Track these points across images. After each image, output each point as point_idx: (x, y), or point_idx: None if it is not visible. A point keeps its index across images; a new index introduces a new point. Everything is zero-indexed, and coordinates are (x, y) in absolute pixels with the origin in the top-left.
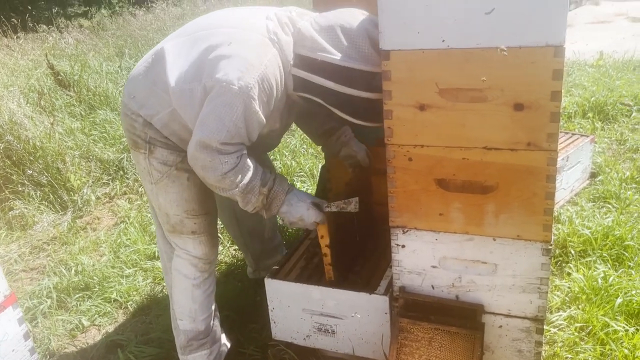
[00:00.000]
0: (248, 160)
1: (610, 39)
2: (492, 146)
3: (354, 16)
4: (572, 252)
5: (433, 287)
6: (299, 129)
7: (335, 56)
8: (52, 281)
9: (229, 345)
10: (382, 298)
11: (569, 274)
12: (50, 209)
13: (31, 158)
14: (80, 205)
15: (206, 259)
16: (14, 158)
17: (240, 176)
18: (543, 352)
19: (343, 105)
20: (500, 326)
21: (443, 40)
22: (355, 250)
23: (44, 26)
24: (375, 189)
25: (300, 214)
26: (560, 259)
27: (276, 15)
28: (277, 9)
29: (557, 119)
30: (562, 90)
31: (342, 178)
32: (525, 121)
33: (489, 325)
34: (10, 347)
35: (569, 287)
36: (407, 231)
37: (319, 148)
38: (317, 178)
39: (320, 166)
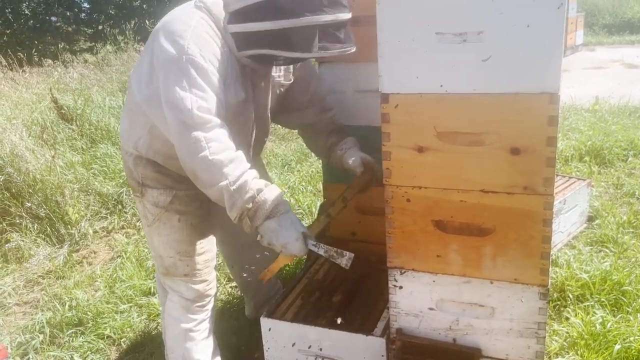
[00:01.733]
0: (237, 148)
1: (606, 85)
2: (490, 189)
3: None
4: (570, 296)
5: (430, 330)
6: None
7: None
8: (45, 316)
9: None
10: (379, 340)
11: (567, 319)
12: (47, 242)
13: (30, 191)
14: (77, 239)
15: (199, 302)
16: (13, 190)
17: (230, 166)
18: None
19: (290, 43)
20: None
21: (441, 85)
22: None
23: (50, 60)
24: (373, 229)
25: (287, 240)
26: (559, 302)
27: None
28: None
29: (553, 163)
30: (558, 135)
31: (343, 219)
32: (522, 165)
33: None
34: None
35: (567, 332)
36: (404, 272)
37: (319, 185)
38: (316, 215)
39: (320, 204)
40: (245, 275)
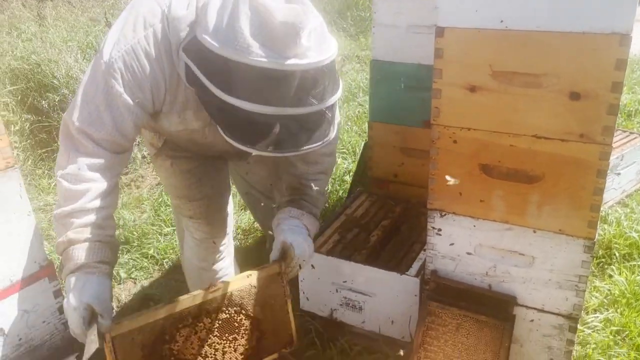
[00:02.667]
0: (102, 185)
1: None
2: (543, 135)
3: None
4: (617, 254)
5: (466, 274)
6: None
7: (207, 37)
8: None
9: None
10: (413, 280)
11: (610, 276)
12: None
13: None
14: (129, 162)
15: (208, 244)
16: None
17: (65, 194)
18: (574, 351)
19: (218, 112)
20: (532, 320)
21: (501, 21)
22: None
23: None
24: (415, 171)
25: (69, 306)
26: (603, 260)
27: None
28: None
29: (615, 111)
30: (624, 83)
31: (386, 160)
32: (581, 111)
33: (520, 318)
34: (40, 318)
35: (609, 290)
36: (444, 215)
37: (364, 126)
38: (359, 156)
39: (363, 144)
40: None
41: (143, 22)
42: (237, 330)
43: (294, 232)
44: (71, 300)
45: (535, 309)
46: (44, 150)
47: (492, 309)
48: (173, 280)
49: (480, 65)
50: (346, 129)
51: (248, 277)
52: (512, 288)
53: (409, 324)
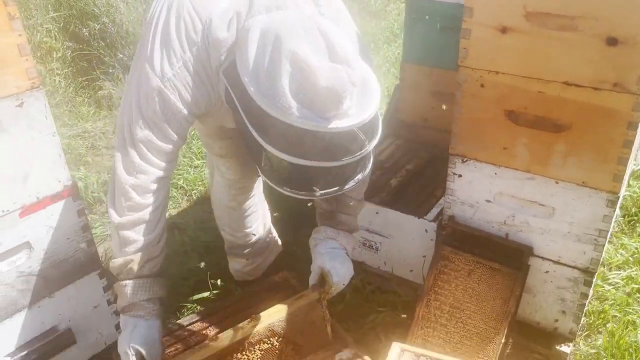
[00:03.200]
0: (164, 195)
1: None
2: (574, 82)
3: (309, 32)
4: None
5: (484, 222)
6: None
7: (247, 79)
8: None
9: (280, 248)
10: (430, 224)
11: None
12: None
13: (123, 42)
14: None
15: (240, 183)
16: (108, 40)
17: (130, 219)
18: (590, 306)
19: (252, 147)
20: (547, 272)
21: None
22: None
23: None
24: (446, 115)
25: (121, 348)
26: (635, 218)
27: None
28: None
29: None
30: None
31: (416, 103)
32: (617, 58)
33: (534, 269)
34: (65, 235)
35: (636, 248)
36: (466, 161)
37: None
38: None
39: (395, 86)
40: None
41: (186, 39)
42: (278, 358)
43: (332, 256)
44: (122, 343)
45: (551, 260)
46: (84, 79)
47: (507, 257)
48: (200, 210)
49: (513, 5)
50: (383, 71)
51: (288, 306)
52: (530, 238)
53: (423, 267)
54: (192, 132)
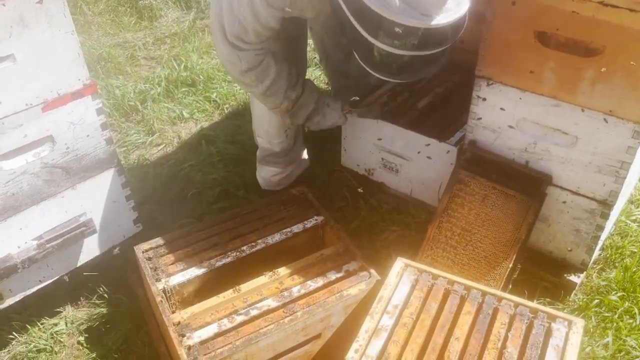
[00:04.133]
0: (273, 61)
1: None
2: (610, 2)
3: None
4: None
5: (505, 148)
6: None
7: None
8: (164, 72)
9: (308, 164)
10: (451, 148)
11: None
12: (177, 5)
13: None
14: (203, 7)
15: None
16: None
17: (262, 76)
18: (609, 240)
19: (360, 47)
20: (564, 202)
21: None
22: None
23: None
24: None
25: (334, 121)
26: None
27: None
28: None
29: None
30: None
31: None
32: None
33: (552, 198)
34: (85, 132)
35: None
36: (491, 84)
37: None
38: None
39: None
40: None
41: None
42: None
43: None
44: (335, 115)
45: (569, 190)
46: None
47: (524, 184)
48: (231, 125)
49: None
50: None
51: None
52: (550, 167)
53: (439, 190)
54: None
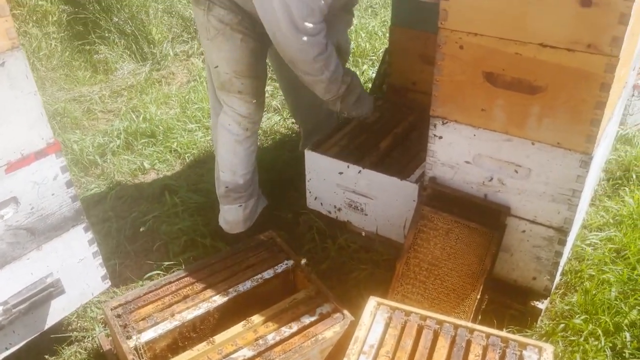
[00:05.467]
0: (332, 47)
1: None
2: (549, 44)
3: None
4: (634, 176)
5: (463, 183)
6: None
7: None
8: (123, 124)
9: (266, 202)
10: (412, 185)
11: (622, 198)
12: (132, 58)
13: (118, 6)
14: (159, 59)
15: (250, 119)
16: (103, 4)
17: (329, 61)
18: (568, 265)
19: None
20: (524, 231)
21: None
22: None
23: None
24: (420, 77)
25: (370, 105)
26: (619, 182)
27: None
28: None
29: (627, 21)
30: None
31: (405, 67)
32: (591, 19)
33: (512, 228)
34: (49, 191)
35: (617, 210)
36: (446, 122)
37: None
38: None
39: (384, 50)
40: (297, 101)
41: None
42: None
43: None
44: (370, 99)
45: (527, 220)
46: (80, 42)
47: (484, 217)
48: (193, 173)
49: None
50: (379, 35)
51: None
52: (507, 198)
53: (404, 227)
54: (188, 97)
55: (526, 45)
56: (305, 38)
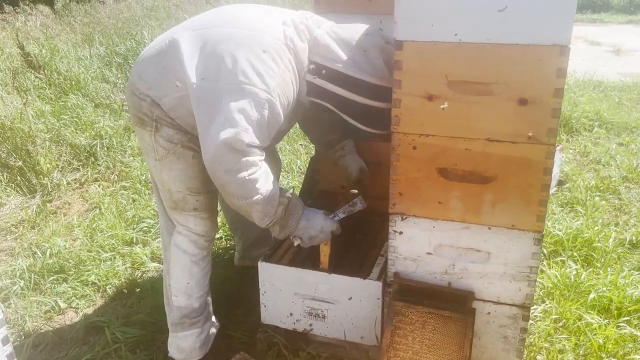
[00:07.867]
0: (267, 166)
1: (570, 60)
2: (495, 138)
3: (370, 32)
4: (545, 251)
5: (427, 274)
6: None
7: (349, 67)
8: (25, 263)
9: (217, 325)
10: (375, 283)
11: (542, 271)
12: (18, 191)
13: (0, 139)
14: (50, 190)
15: (206, 236)
16: None
17: (263, 181)
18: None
19: (352, 112)
20: (489, 313)
21: (455, 34)
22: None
23: (11, 7)
24: (370, 183)
25: (321, 225)
26: None
27: (293, 21)
28: (293, 13)
29: (558, 114)
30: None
31: (333, 172)
32: (528, 116)
33: (478, 312)
34: None
35: (542, 283)
36: (405, 218)
37: (297, 145)
38: (299, 172)
39: (310, 159)
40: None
41: (279, 56)
42: None
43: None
44: (319, 218)
45: (491, 301)
46: None
47: (454, 304)
48: (120, 305)
49: (436, 76)
50: (280, 148)
51: None
52: (470, 283)
53: (374, 326)
54: (94, 225)
55: (474, 141)
56: (236, 156)
